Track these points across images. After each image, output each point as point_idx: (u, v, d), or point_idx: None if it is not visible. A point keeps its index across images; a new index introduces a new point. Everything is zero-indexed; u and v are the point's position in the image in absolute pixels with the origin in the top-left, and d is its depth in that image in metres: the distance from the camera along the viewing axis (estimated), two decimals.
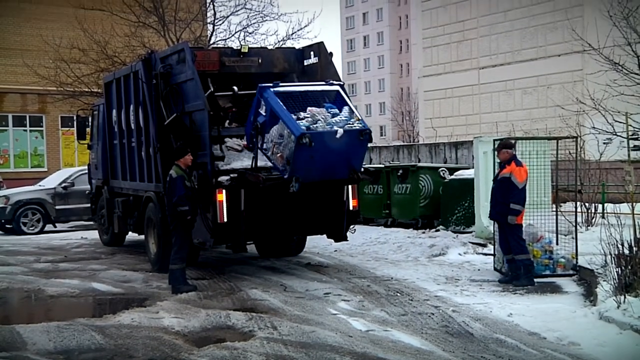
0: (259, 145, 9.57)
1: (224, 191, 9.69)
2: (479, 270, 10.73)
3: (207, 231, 9.98)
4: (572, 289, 9.25)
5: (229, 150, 10.27)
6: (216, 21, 21.62)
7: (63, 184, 18.81)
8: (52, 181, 19.46)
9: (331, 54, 11.27)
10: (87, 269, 11.80)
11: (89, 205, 16.06)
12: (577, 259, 10.07)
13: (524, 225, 10.18)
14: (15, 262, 12.84)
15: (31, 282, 10.67)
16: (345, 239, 10.88)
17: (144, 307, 8.67)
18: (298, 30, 21.15)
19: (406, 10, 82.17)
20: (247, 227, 9.88)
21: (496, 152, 10.00)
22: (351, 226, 10.95)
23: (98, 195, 15.07)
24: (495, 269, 10.46)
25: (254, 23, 21.42)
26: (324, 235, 11.15)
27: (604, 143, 14.04)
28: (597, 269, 9.21)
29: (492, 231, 10.85)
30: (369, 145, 11.19)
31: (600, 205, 14.88)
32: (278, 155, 9.27)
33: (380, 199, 16.10)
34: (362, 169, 10.02)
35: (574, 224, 10.50)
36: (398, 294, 9.03)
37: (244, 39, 21.02)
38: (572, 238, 10.32)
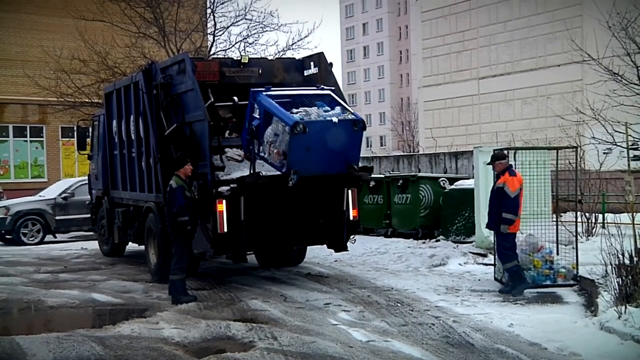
0: (256, 151, 9.62)
1: (224, 201, 9.68)
2: (479, 280, 10.71)
3: (207, 241, 9.98)
4: (573, 299, 9.24)
5: (229, 160, 10.28)
6: (216, 32, 21.74)
7: (63, 195, 18.82)
8: (52, 192, 19.47)
9: (331, 64, 11.30)
10: (87, 280, 11.78)
11: (89, 215, 16.06)
12: (577, 269, 10.06)
13: (524, 235, 10.20)
14: (15, 272, 12.82)
15: (31, 292, 10.65)
16: (345, 249, 10.86)
17: (144, 317, 8.65)
18: (298, 41, 21.26)
19: (406, 20, 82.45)
20: (247, 237, 9.87)
21: (491, 166, 10.04)
22: (351, 236, 10.93)
23: (98, 205, 15.06)
24: (495, 279, 10.45)
25: (254, 34, 21.52)
26: (324, 246, 11.14)
27: (604, 153, 14.05)
28: (597, 279, 9.20)
29: (493, 241, 10.84)
30: (370, 155, 11.21)
31: (600, 215, 14.88)
32: (275, 152, 9.35)
33: (381, 209, 16.10)
34: (360, 165, 10.04)
35: (574, 234, 10.49)
36: (398, 305, 9.02)
37: (244, 50, 21.09)
38: (573, 248, 10.32)
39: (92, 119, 16.05)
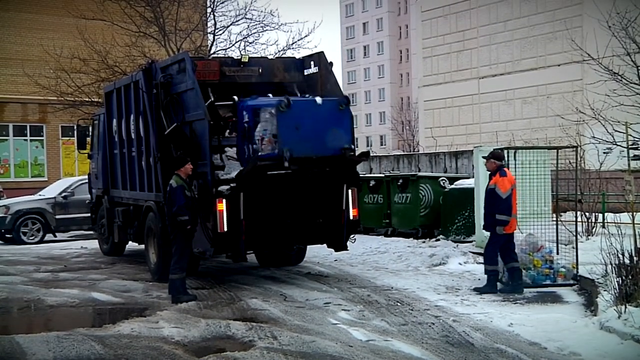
0: (250, 153, 9.69)
1: (224, 200, 9.69)
2: (479, 279, 10.70)
3: (207, 240, 9.98)
4: (573, 298, 9.24)
5: (229, 159, 10.28)
6: (216, 31, 21.72)
7: (63, 194, 18.82)
8: (52, 191, 19.47)
9: (331, 63, 11.30)
10: (87, 279, 11.78)
11: (89, 214, 16.06)
12: (577, 268, 10.06)
13: (524, 234, 10.20)
14: (15, 271, 12.82)
15: (31, 291, 10.65)
16: (345, 248, 10.86)
17: (144, 316, 8.65)
18: (298, 40, 21.26)
19: (406, 20, 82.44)
20: (247, 236, 9.88)
21: (485, 160, 10.07)
22: (351, 236, 10.93)
23: (98, 204, 15.06)
24: (497, 279, 10.44)
25: (254, 33, 21.52)
26: (324, 245, 11.14)
27: (604, 153, 14.06)
28: (597, 279, 9.20)
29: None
30: (370, 155, 11.25)
31: (600, 215, 14.87)
32: (266, 141, 9.52)
33: (381, 209, 16.10)
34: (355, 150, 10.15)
35: (574, 233, 10.50)
36: (398, 304, 9.02)
37: (244, 49, 21.09)
38: (573, 248, 10.32)
39: (92, 118, 16.05)
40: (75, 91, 21.60)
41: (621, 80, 10.91)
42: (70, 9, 24.41)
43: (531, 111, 25.58)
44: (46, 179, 27.46)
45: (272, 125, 9.44)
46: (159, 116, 10.92)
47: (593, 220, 14.16)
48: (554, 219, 10.90)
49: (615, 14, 10.97)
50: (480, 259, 12.21)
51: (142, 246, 12.32)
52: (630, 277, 7.80)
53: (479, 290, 9.63)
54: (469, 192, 13.64)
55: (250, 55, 12.22)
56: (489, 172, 9.93)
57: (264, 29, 21.62)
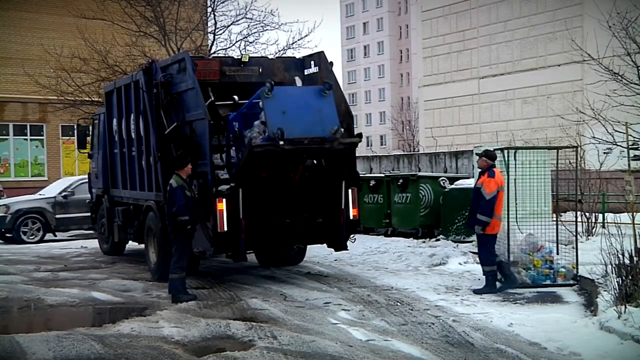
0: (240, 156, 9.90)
1: (224, 200, 9.69)
2: (479, 279, 10.69)
3: (207, 240, 9.98)
4: (573, 299, 9.24)
5: (230, 158, 10.28)
6: (217, 31, 21.70)
7: (63, 193, 18.81)
8: (53, 190, 19.46)
9: (331, 63, 11.30)
10: (87, 278, 11.78)
11: (89, 214, 16.05)
12: (577, 268, 10.06)
13: (524, 234, 10.20)
14: (15, 271, 12.82)
15: (31, 291, 10.66)
16: (345, 248, 10.87)
17: (144, 316, 8.65)
18: (298, 40, 21.23)
19: (406, 20, 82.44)
20: (247, 235, 9.88)
21: (477, 157, 10.12)
22: (351, 235, 10.94)
23: (98, 204, 15.06)
24: (496, 279, 10.44)
25: (254, 32, 21.50)
26: (324, 245, 11.14)
27: (604, 153, 14.05)
28: (597, 279, 9.20)
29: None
30: (370, 154, 11.25)
31: (600, 215, 14.87)
32: (257, 133, 9.72)
33: (381, 209, 16.10)
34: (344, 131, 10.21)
35: (574, 233, 10.49)
36: (398, 304, 9.02)
37: (245, 49, 21.08)
38: (573, 248, 10.32)
39: (93, 117, 16.06)
40: (75, 91, 21.60)
41: (621, 81, 10.91)
42: (70, 8, 24.42)
43: (531, 111, 25.57)
44: (46, 179, 27.45)
45: (261, 114, 9.68)
46: (159, 116, 10.93)
47: (593, 221, 14.16)
48: (554, 219, 10.90)
49: (616, 14, 10.97)
50: None
51: (142, 246, 12.32)
52: (630, 277, 7.80)
53: (479, 292, 9.62)
54: (469, 192, 13.57)
55: (251, 55, 12.22)
56: (479, 170, 9.98)
57: (264, 28, 21.62)
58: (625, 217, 12.13)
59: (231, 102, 11.11)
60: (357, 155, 11.23)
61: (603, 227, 14.13)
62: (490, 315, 8.29)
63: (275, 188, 10.08)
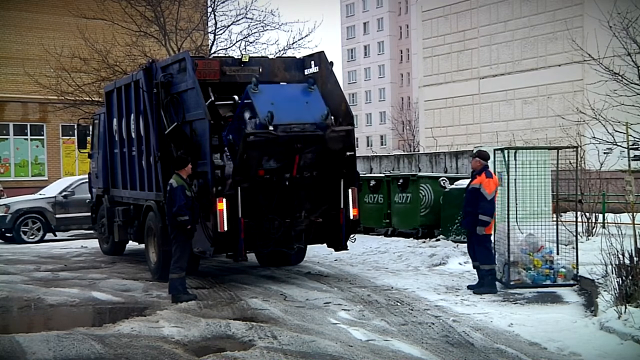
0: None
1: (224, 200, 9.70)
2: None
3: (207, 240, 9.98)
4: (573, 299, 9.24)
5: (229, 159, 10.28)
6: (217, 30, 21.69)
7: (63, 193, 18.82)
8: (53, 190, 19.47)
9: (332, 63, 11.30)
10: (87, 278, 11.78)
11: (89, 214, 16.06)
12: (577, 269, 10.06)
13: (524, 234, 10.20)
14: (15, 271, 12.82)
15: (31, 291, 10.65)
16: (345, 248, 10.87)
17: (144, 316, 8.65)
18: (299, 40, 21.22)
19: (407, 20, 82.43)
20: (247, 235, 9.88)
21: (471, 158, 10.15)
22: (351, 235, 10.94)
23: (98, 204, 15.06)
24: (495, 278, 10.43)
25: (254, 32, 21.48)
26: (324, 245, 11.14)
27: (605, 153, 14.04)
28: (597, 279, 9.20)
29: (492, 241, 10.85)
30: (370, 154, 11.27)
31: (600, 215, 14.87)
32: (250, 128, 9.88)
33: (381, 209, 16.10)
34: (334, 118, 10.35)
35: (574, 233, 10.49)
36: (398, 304, 9.02)
37: (245, 49, 21.07)
38: (573, 248, 10.32)
39: (93, 117, 16.07)
40: (75, 90, 21.59)
41: (622, 81, 10.90)
42: (70, 8, 24.42)
43: (531, 111, 25.56)
44: (46, 178, 27.46)
45: (252, 108, 9.87)
46: (160, 115, 10.93)
47: (593, 221, 14.16)
48: (554, 219, 10.90)
49: (616, 14, 10.96)
50: None
51: (142, 245, 12.32)
52: (630, 277, 7.80)
53: (478, 292, 9.62)
54: None
55: (251, 55, 12.21)
56: (472, 171, 10.01)
57: (265, 28, 21.60)
58: (625, 217, 12.14)
59: (231, 102, 11.12)
60: (357, 155, 11.23)
61: (603, 227, 14.13)
62: (491, 315, 8.29)
63: (275, 188, 10.08)
